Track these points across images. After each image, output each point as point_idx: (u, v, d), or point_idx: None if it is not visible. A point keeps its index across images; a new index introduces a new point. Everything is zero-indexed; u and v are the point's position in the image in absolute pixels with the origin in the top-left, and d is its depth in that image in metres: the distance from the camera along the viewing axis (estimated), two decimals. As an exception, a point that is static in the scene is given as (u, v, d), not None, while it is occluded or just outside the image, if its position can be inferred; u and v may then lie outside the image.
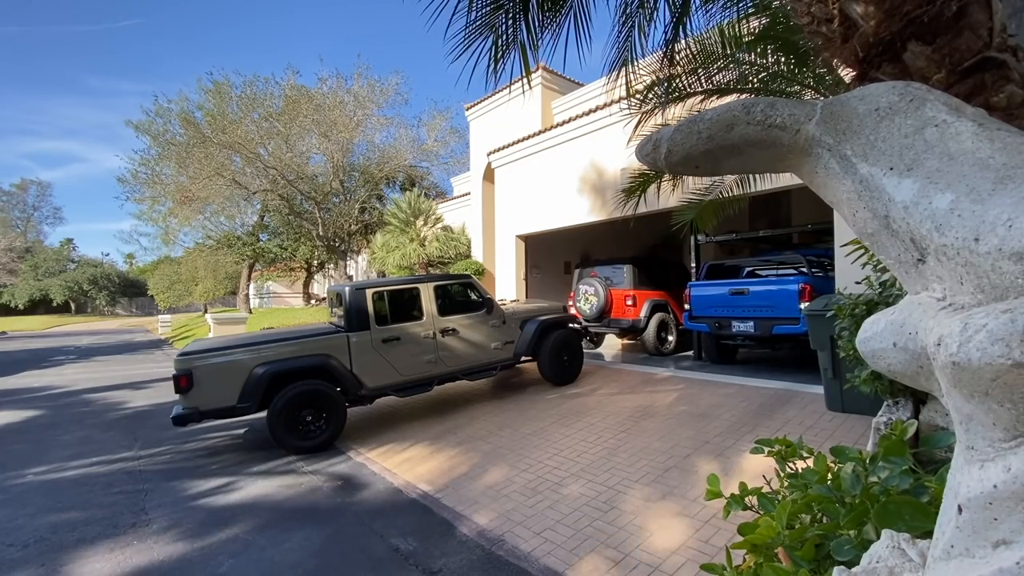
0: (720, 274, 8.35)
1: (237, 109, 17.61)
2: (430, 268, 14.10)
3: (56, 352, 15.75)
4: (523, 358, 6.63)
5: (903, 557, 0.78)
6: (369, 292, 5.58)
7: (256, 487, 4.10)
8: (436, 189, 23.57)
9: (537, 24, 3.63)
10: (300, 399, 4.87)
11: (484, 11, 3.44)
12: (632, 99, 5.02)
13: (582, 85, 12.15)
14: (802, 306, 6.24)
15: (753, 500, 1.31)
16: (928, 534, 0.77)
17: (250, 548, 3.13)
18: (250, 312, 21.27)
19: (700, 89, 4.83)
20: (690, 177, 6.32)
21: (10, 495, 4.17)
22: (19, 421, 6.68)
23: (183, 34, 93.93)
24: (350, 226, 20.05)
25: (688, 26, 4.00)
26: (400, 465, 4.42)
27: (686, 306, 7.87)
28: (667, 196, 6.54)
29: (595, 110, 9.74)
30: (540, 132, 11.26)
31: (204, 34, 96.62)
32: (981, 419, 0.56)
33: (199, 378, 4.64)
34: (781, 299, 6.68)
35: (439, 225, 14.66)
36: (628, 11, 3.84)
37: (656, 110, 5.12)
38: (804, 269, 7.23)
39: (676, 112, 5.09)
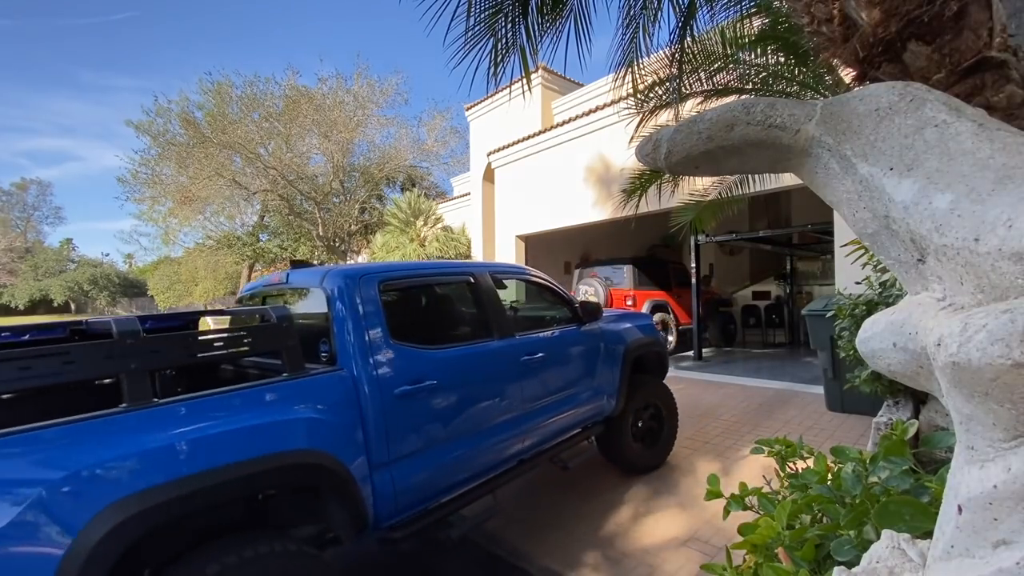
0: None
1: (237, 109, 17.62)
2: (430, 268, 14.07)
3: (56, 352, 15.72)
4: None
5: (903, 557, 0.78)
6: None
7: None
8: (436, 189, 23.58)
9: (536, 28, 3.63)
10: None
11: (483, 16, 3.44)
12: (635, 98, 5.02)
13: (582, 85, 12.15)
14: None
15: (753, 500, 1.31)
16: (928, 534, 0.77)
17: (250, 548, 3.13)
18: (250, 312, 21.23)
19: (700, 89, 4.84)
20: (690, 177, 6.32)
21: (10, 495, 4.16)
22: (19, 421, 6.67)
23: (179, 28, 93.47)
24: (350, 226, 20.04)
25: (694, 27, 4.00)
26: (400, 465, 4.41)
27: None
28: (667, 196, 6.54)
29: (595, 110, 9.74)
30: (540, 132, 11.26)
31: (201, 29, 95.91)
32: (981, 419, 0.56)
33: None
34: None
35: (439, 225, 14.67)
36: (631, 13, 3.84)
37: (657, 111, 5.13)
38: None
39: (677, 112, 5.10)
